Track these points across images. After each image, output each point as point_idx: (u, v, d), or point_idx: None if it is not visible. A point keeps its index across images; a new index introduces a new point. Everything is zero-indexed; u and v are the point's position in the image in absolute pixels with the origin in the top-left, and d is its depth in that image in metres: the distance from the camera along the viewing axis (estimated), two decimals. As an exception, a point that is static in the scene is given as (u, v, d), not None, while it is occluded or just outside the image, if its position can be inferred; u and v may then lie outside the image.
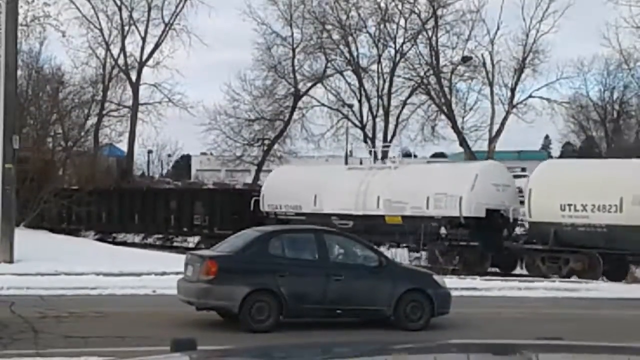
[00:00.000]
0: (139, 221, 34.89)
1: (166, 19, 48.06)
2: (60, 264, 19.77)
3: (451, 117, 42.69)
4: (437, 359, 3.19)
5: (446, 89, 43.40)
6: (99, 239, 33.90)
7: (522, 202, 25.92)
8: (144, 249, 30.57)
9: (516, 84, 43.23)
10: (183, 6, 47.56)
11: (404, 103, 44.90)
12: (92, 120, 43.89)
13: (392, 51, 44.32)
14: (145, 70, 48.78)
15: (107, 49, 48.28)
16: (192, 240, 34.17)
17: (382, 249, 20.66)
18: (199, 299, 13.09)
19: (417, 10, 43.29)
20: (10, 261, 20.47)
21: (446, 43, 43.63)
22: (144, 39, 48.44)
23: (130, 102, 48.87)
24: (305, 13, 44.47)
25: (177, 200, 34.92)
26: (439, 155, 68.38)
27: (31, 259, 20.49)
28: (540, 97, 43.57)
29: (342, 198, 28.56)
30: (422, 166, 32.57)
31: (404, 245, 27.26)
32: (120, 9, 47.79)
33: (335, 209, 28.67)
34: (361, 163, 38.31)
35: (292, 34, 45.07)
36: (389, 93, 44.68)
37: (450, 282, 15.94)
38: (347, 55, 44.77)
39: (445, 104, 42.91)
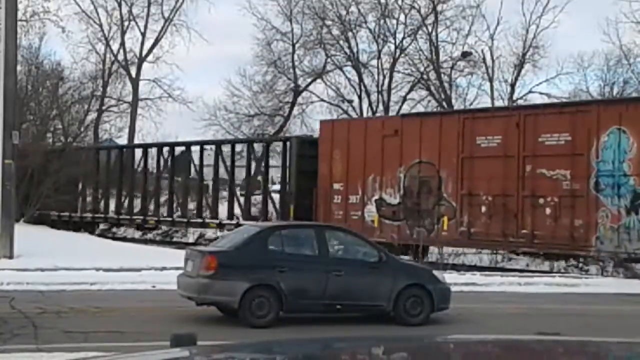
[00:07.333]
0: None
1: (166, 15, 48.24)
2: (60, 259, 19.78)
3: (451, 113, 42.64)
4: (437, 355, 3.19)
5: (446, 85, 43.40)
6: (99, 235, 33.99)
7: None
8: (143, 244, 30.58)
9: (516, 79, 43.28)
10: (183, 1, 47.69)
11: (404, 98, 44.92)
12: (92, 115, 44.04)
13: (392, 47, 44.34)
14: (145, 65, 48.97)
15: (107, 45, 48.40)
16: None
17: None
18: (198, 294, 13.11)
19: (417, 6, 43.30)
20: (10, 256, 20.49)
21: (446, 38, 43.70)
22: (143, 35, 48.57)
23: (130, 98, 48.98)
24: (305, 8, 44.49)
25: None
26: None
27: (31, 254, 20.49)
28: (540, 93, 43.59)
29: None
30: None
31: None
32: (119, 5, 47.91)
33: None
34: None
35: (292, 29, 45.10)
36: (389, 88, 44.67)
37: (449, 277, 15.96)
38: (347, 50, 44.76)
39: (445, 99, 42.89)
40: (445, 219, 24.40)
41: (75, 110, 39.30)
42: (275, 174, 32.08)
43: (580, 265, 23.55)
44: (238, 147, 33.25)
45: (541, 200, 22.34)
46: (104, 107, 47.43)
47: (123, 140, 46.47)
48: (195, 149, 33.39)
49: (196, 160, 32.91)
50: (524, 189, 22.63)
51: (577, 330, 12.27)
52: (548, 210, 22.20)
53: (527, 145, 22.61)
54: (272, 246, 13.65)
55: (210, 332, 10.76)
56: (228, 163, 31.70)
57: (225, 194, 32.70)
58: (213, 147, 33.17)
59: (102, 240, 29.79)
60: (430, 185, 24.86)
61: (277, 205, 30.24)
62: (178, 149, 34.54)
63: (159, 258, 21.12)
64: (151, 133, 49.62)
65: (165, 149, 34.55)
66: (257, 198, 32.05)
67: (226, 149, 32.61)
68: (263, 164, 31.06)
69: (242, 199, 31.35)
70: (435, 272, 14.86)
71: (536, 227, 22.38)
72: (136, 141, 45.15)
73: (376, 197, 26.10)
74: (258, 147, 34.38)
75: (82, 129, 39.46)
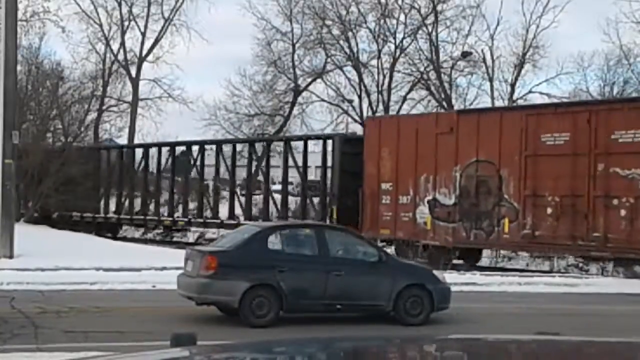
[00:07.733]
0: None
1: (166, 14, 48.27)
2: (60, 259, 19.78)
3: (451, 113, 42.62)
4: (437, 355, 3.19)
5: (446, 85, 43.41)
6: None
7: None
8: (143, 244, 30.59)
9: (516, 79, 43.31)
10: (183, 1, 47.71)
11: (404, 98, 44.91)
12: (92, 115, 43.98)
13: (392, 46, 44.33)
14: (145, 65, 48.99)
15: (107, 45, 48.42)
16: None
17: None
18: (199, 294, 13.12)
19: (417, 6, 43.30)
20: (11, 256, 20.50)
21: (446, 38, 43.71)
22: (143, 35, 48.60)
23: (130, 98, 48.98)
24: (305, 8, 44.47)
25: None
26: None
27: (31, 254, 20.50)
28: (540, 93, 43.61)
29: None
30: None
31: None
32: (119, 4, 47.93)
33: None
34: None
35: (292, 29, 45.07)
36: (389, 88, 44.66)
37: (449, 277, 15.97)
38: (347, 50, 44.74)
39: (445, 99, 42.89)
40: (506, 220, 22.87)
41: (75, 110, 39.28)
42: (274, 173, 31.97)
43: (580, 265, 23.55)
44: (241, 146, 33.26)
45: (615, 201, 20.80)
46: (104, 107, 47.41)
47: (123, 140, 46.52)
48: (228, 148, 33.21)
49: (227, 161, 32.65)
50: (596, 189, 21.13)
51: (577, 330, 12.25)
52: (623, 212, 20.70)
53: (599, 143, 21.09)
54: (272, 246, 13.65)
55: (210, 332, 10.75)
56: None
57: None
58: (246, 145, 33.00)
59: (102, 240, 29.79)
60: (490, 185, 23.35)
61: (279, 206, 30.33)
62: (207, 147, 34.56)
63: (159, 258, 21.12)
64: (151, 133, 49.67)
65: (195, 148, 34.34)
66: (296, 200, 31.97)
67: (247, 147, 32.52)
68: (302, 163, 30.01)
69: (278, 200, 30.93)
70: (435, 272, 14.87)
71: (609, 230, 20.91)
72: (135, 142, 45.12)
73: (429, 197, 24.58)
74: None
75: (82, 129, 39.43)
